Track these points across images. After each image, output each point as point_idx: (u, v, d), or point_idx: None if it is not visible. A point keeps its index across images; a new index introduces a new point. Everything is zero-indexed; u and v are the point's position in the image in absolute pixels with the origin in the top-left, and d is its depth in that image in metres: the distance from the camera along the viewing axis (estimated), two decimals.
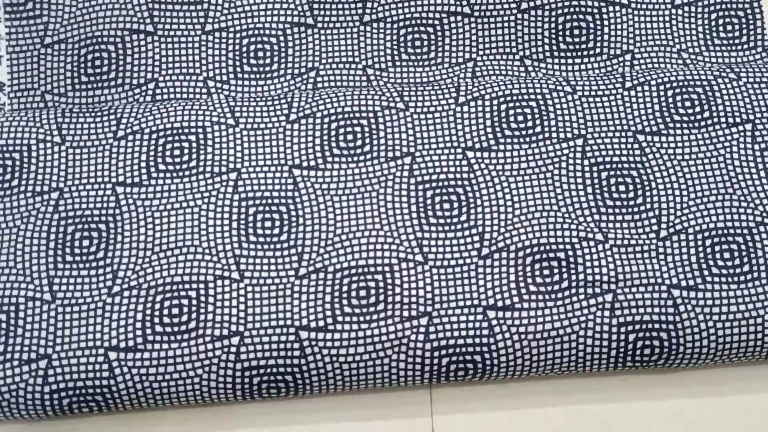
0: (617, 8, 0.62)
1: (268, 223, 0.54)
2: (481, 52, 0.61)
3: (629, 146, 0.56)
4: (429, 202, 0.54)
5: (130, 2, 0.60)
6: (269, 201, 0.54)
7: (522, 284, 0.52)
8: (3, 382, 0.50)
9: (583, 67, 0.60)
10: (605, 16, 0.61)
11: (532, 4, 0.62)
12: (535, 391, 0.54)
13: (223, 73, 0.60)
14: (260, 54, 0.60)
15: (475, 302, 0.52)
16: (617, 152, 0.56)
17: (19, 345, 0.50)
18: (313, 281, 0.52)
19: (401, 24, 0.61)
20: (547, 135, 0.56)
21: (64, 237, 0.53)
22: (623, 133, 0.56)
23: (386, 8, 0.62)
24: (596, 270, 0.53)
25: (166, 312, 0.51)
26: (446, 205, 0.54)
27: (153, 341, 0.51)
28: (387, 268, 0.53)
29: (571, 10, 0.62)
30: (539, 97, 0.57)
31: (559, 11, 0.62)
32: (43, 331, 0.51)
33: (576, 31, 0.61)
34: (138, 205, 0.54)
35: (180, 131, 0.56)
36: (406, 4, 0.62)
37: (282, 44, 0.61)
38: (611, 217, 0.54)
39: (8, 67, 0.59)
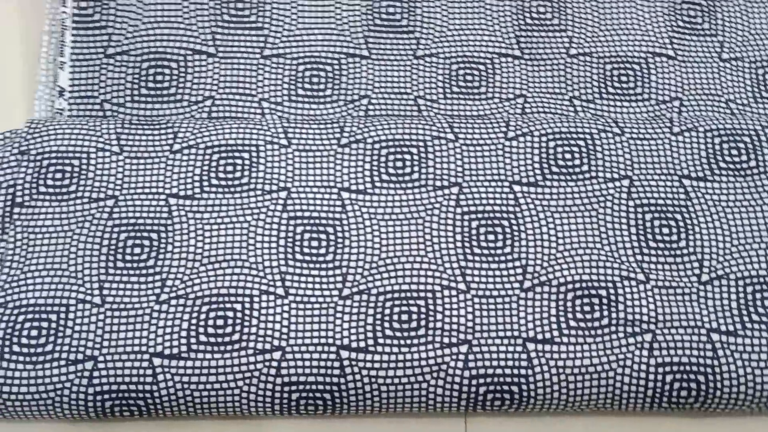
0: (664, 59, 0.63)
1: (314, 243, 0.55)
2: (531, 90, 0.62)
3: (674, 190, 0.57)
4: (474, 232, 0.55)
5: (195, 24, 0.62)
6: (317, 221, 0.55)
7: (563, 319, 0.53)
8: (49, 380, 0.51)
9: (631, 110, 0.61)
10: (652, 66, 0.63)
11: (581, 50, 0.63)
12: (569, 426, 0.55)
13: (278, 95, 0.61)
14: (315, 80, 0.62)
15: (515, 333, 0.53)
16: (662, 195, 0.56)
17: (67, 345, 0.51)
18: (356, 302, 0.53)
19: (453, 60, 0.63)
20: (593, 174, 0.57)
21: (116, 243, 0.54)
22: (669, 177, 0.57)
23: (439, 45, 0.63)
24: (636, 309, 0.53)
25: (211, 323, 0.52)
26: (491, 237, 0.55)
27: (197, 350, 0.52)
28: (429, 294, 0.53)
29: (618, 59, 0.63)
30: (587, 136, 0.58)
31: (607, 59, 0.63)
32: (91, 333, 0.52)
33: (624, 78, 0.62)
34: (189, 217, 0.55)
35: (234, 148, 0.57)
36: (458, 43, 0.63)
37: (336, 72, 0.62)
38: (653, 259, 0.55)
39: (70, 74, 0.61)
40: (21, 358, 0.51)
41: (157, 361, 0.51)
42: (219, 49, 0.62)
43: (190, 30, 0.62)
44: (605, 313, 0.53)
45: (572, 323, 0.53)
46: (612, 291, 0.54)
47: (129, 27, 0.62)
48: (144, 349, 0.52)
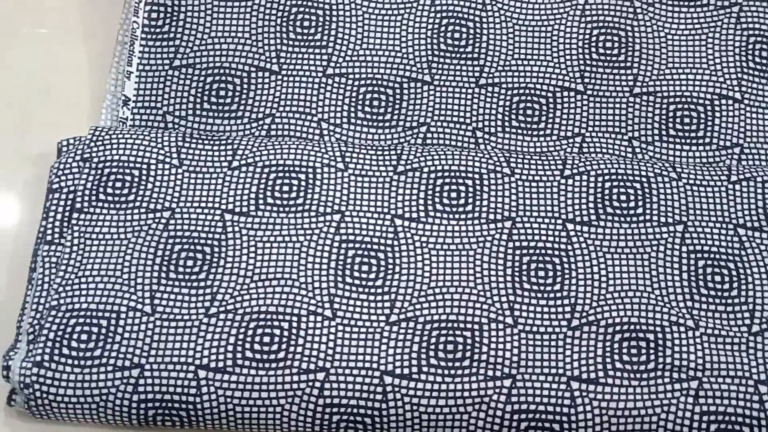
0: (730, 102, 0.62)
1: (365, 267, 0.55)
2: (590, 129, 0.62)
3: (729, 238, 0.56)
4: (525, 267, 0.55)
5: (260, 40, 0.63)
6: (369, 246, 0.56)
7: (608, 360, 0.53)
8: (95, 385, 0.52)
9: (690, 154, 0.61)
10: (717, 109, 0.62)
11: (644, 89, 0.63)
12: None
13: (338, 116, 0.62)
14: (375, 103, 0.62)
15: (560, 371, 0.53)
16: (716, 242, 0.56)
17: (115, 351, 0.52)
18: (402, 329, 0.53)
19: (515, 92, 0.63)
20: (648, 217, 0.57)
21: (170, 255, 0.55)
22: (724, 225, 0.57)
23: (502, 74, 0.63)
24: (684, 356, 0.53)
25: (257, 339, 0.53)
26: (541, 273, 0.55)
27: (242, 365, 0.52)
28: (476, 326, 0.54)
29: (683, 100, 0.63)
30: (644, 179, 0.58)
31: (671, 99, 0.63)
32: (139, 341, 0.52)
33: (686, 120, 0.62)
34: (243, 233, 0.56)
35: (291, 168, 0.58)
36: (522, 73, 0.63)
37: (398, 96, 0.63)
38: (704, 306, 0.54)
39: (136, 84, 0.62)
40: (69, 361, 0.52)
41: (202, 373, 0.52)
42: (282, 66, 0.63)
43: (255, 46, 0.63)
44: (652, 357, 0.53)
45: (618, 365, 0.53)
46: (660, 335, 0.53)
47: (196, 40, 0.63)
48: (190, 360, 0.52)
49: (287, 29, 0.64)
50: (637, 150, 0.61)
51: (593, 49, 0.64)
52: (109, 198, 0.56)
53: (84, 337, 0.52)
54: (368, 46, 0.64)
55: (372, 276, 0.55)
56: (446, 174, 0.58)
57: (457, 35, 0.64)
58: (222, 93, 0.62)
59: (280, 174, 0.57)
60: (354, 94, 0.62)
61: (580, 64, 0.64)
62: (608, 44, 0.64)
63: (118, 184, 0.57)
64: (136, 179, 0.57)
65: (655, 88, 0.63)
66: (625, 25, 0.65)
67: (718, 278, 0.55)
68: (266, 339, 0.53)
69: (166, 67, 0.62)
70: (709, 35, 0.64)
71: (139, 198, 0.56)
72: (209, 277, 0.54)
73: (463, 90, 0.63)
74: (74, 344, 0.52)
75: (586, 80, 0.63)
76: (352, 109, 0.62)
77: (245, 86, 0.62)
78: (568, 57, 0.64)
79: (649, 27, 0.65)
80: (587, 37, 0.64)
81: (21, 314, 0.55)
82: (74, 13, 0.67)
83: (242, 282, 0.54)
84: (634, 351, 0.53)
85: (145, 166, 0.57)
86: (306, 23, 0.64)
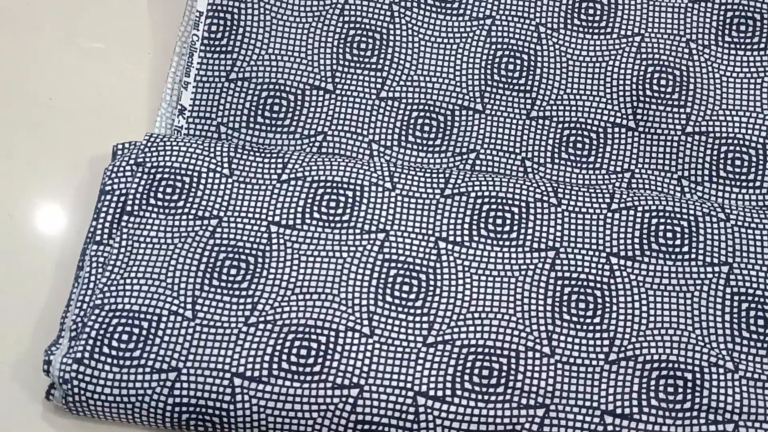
0: None
1: (405, 288, 0.55)
2: (640, 165, 0.62)
3: None
4: (566, 298, 0.55)
5: (317, 60, 0.64)
6: (411, 267, 0.56)
7: (644, 396, 0.52)
8: (132, 385, 0.52)
9: (740, 197, 0.61)
10: None
11: (697, 129, 0.63)
12: None
13: (388, 138, 0.63)
14: (426, 128, 0.63)
15: (594, 404, 0.52)
16: (761, 286, 0.55)
17: (154, 354, 0.53)
18: (439, 351, 0.53)
19: (566, 125, 0.63)
20: (693, 256, 0.56)
21: (214, 262, 0.56)
22: None
23: (554, 108, 0.64)
24: (722, 398, 0.52)
25: (294, 351, 0.53)
26: (582, 305, 0.55)
27: (277, 376, 0.52)
28: (513, 354, 0.53)
29: (735, 142, 0.62)
30: (691, 218, 0.57)
31: (723, 141, 0.62)
32: (179, 345, 0.53)
33: (738, 162, 0.62)
34: (288, 246, 0.56)
35: (339, 185, 0.58)
36: (573, 107, 0.64)
37: (449, 123, 0.63)
38: (745, 349, 0.54)
39: (192, 94, 0.63)
40: (109, 360, 0.53)
41: (237, 381, 0.52)
42: (337, 86, 0.64)
43: (311, 65, 0.64)
44: (689, 396, 0.52)
45: (653, 402, 0.52)
46: (698, 375, 0.53)
47: (253, 55, 0.64)
48: (227, 368, 0.53)
49: (344, 50, 0.65)
50: (686, 189, 0.61)
51: (647, 86, 0.64)
52: (159, 203, 0.57)
53: (125, 337, 0.53)
54: (422, 72, 0.64)
55: (412, 296, 0.55)
56: (493, 200, 0.58)
57: (510, 66, 0.65)
58: (276, 108, 0.63)
59: (328, 190, 0.58)
60: (406, 118, 0.63)
61: (633, 100, 0.64)
62: (662, 82, 0.64)
63: (169, 190, 0.58)
64: (187, 186, 0.58)
65: (708, 129, 0.63)
66: (681, 65, 0.64)
67: (761, 321, 0.54)
68: (303, 352, 0.53)
69: (222, 79, 0.63)
70: (765, 79, 0.64)
71: (188, 204, 0.57)
72: (251, 287, 0.55)
73: (514, 120, 0.63)
74: (115, 344, 0.53)
75: (639, 117, 0.63)
76: (403, 132, 0.63)
77: (299, 103, 0.63)
78: (621, 93, 0.64)
79: (704, 68, 0.64)
80: (642, 74, 0.64)
81: (65, 311, 0.56)
82: (129, 27, 0.68)
83: (283, 294, 0.55)
84: (671, 389, 0.52)
85: (196, 174, 0.58)
86: (363, 45, 0.65)
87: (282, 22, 0.65)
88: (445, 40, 0.65)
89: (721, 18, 0.66)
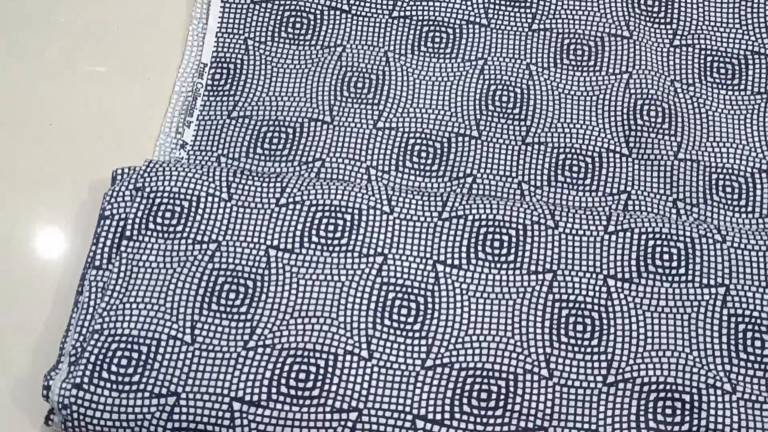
0: None
1: (404, 311, 0.56)
2: (636, 187, 0.62)
3: None
4: (563, 320, 0.55)
5: (315, 97, 0.65)
6: (409, 290, 0.56)
7: (642, 418, 0.52)
8: (131, 410, 0.52)
9: (735, 219, 0.61)
10: (758, 182, 0.63)
11: (689, 156, 0.63)
12: None
13: (385, 164, 0.63)
14: (423, 154, 0.64)
15: (593, 427, 0.52)
16: (758, 307, 0.56)
17: (153, 378, 0.53)
18: (437, 374, 0.54)
19: (561, 150, 0.64)
20: (690, 278, 0.57)
21: (213, 286, 0.56)
22: (766, 290, 0.56)
23: (548, 135, 0.64)
24: (719, 419, 0.52)
25: (293, 375, 0.53)
26: (579, 327, 0.55)
27: (276, 400, 0.52)
28: (511, 376, 0.54)
29: (725, 170, 0.63)
30: (687, 239, 0.58)
31: (713, 168, 0.63)
32: (178, 369, 0.53)
33: (729, 189, 0.62)
34: (287, 269, 0.56)
35: (337, 209, 0.59)
36: (567, 134, 0.64)
37: (445, 148, 0.64)
38: (742, 370, 0.54)
39: (195, 131, 0.64)
40: (108, 385, 0.53)
41: (236, 405, 0.52)
42: (335, 118, 0.64)
43: (309, 102, 0.65)
44: (687, 418, 0.52)
45: (652, 424, 0.52)
46: (696, 397, 0.53)
47: (254, 96, 0.65)
48: (226, 392, 0.53)
49: (341, 88, 0.66)
50: (682, 211, 0.61)
51: (638, 116, 0.65)
52: (158, 227, 0.58)
53: (124, 362, 0.53)
54: (418, 104, 0.66)
55: (410, 320, 0.55)
56: (490, 223, 0.58)
57: (504, 99, 0.66)
58: (275, 140, 0.64)
59: (327, 213, 0.58)
60: (403, 145, 0.64)
61: (625, 128, 0.65)
62: (652, 113, 0.65)
63: (168, 214, 0.58)
64: (186, 210, 0.58)
65: (698, 157, 0.63)
66: (668, 100, 0.66)
67: (758, 343, 0.55)
68: (302, 375, 0.53)
69: (224, 117, 0.65)
70: (749, 115, 0.65)
71: (187, 229, 0.58)
72: (250, 311, 0.55)
73: (510, 146, 0.64)
74: (114, 368, 0.53)
75: (631, 144, 0.64)
76: (400, 158, 0.63)
77: (297, 134, 0.64)
78: (612, 122, 0.65)
79: (690, 103, 0.66)
80: (632, 105, 0.65)
81: (65, 336, 0.56)
82: (129, 52, 0.69)
83: (282, 317, 0.55)
84: (668, 411, 0.53)
85: (195, 198, 0.58)
86: (360, 84, 0.66)
87: (282, 69, 0.67)
88: (440, 79, 0.67)
89: (702, 61, 0.68)
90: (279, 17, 0.69)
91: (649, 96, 0.66)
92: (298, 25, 0.69)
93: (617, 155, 0.64)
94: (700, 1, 0.70)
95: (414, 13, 0.69)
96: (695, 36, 0.68)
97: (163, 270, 0.56)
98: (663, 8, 0.69)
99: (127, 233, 0.57)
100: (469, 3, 0.70)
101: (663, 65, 0.67)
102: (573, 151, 0.64)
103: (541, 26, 0.69)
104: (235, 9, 0.69)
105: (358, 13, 0.69)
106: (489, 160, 0.63)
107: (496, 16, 0.69)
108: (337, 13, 0.69)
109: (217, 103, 0.65)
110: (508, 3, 0.70)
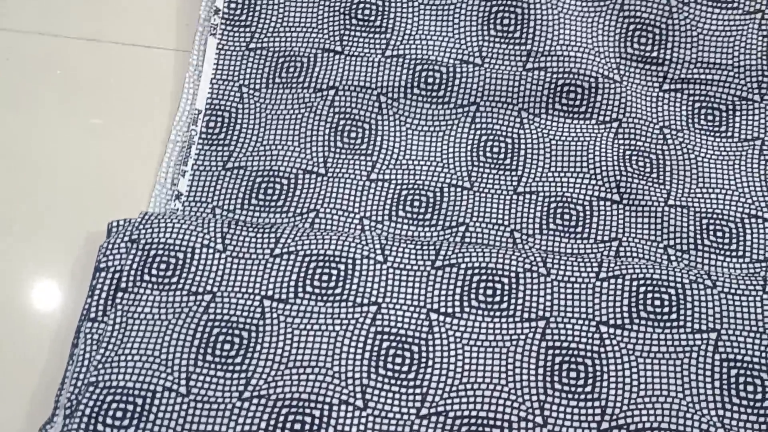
0: (760, 221, 0.63)
1: (398, 360, 0.56)
2: (627, 234, 0.63)
3: (762, 348, 0.56)
4: (557, 367, 0.56)
5: (309, 147, 0.66)
6: (403, 339, 0.56)
7: None
8: None
9: (725, 264, 0.62)
10: (747, 227, 0.63)
11: (678, 203, 0.64)
12: None
13: (379, 214, 0.64)
14: (416, 203, 0.64)
15: None
16: (749, 352, 0.56)
17: (148, 430, 0.53)
18: (432, 422, 0.54)
19: (552, 199, 0.65)
20: (681, 323, 0.57)
21: (208, 337, 0.56)
22: (758, 335, 0.57)
23: (540, 184, 0.65)
24: None
25: (288, 426, 0.53)
26: (573, 374, 0.55)
27: None
28: (506, 424, 0.54)
29: (715, 215, 0.64)
30: (678, 285, 0.58)
31: (703, 214, 0.64)
32: (173, 422, 0.53)
33: (719, 233, 0.63)
34: (281, 320, 0.57)
35: (331, 258, 0.59)
36: (559, 183, 0.65)
37: (437, 198, 0.65)
38: (736, 415, 0.54)
39: (189, 181, 0.65)
40: None
41: None
42: (329, 169, 0.65)
43: (304, 152, 0.66)
44: None
45: None
46: None
47: (249, 146, 0.66)
48: None
49: (335, 138, 0.67)
50: (673, 257, 0.62)
51: (627, 164, 0.66)
52: (153, 279, 0.58)
53: (119, 414, 0.53)
54: (410, 156, 0.66)
55: (405, 368, 0.56)
56: (483, 271, 0.59)
57: (496, 149, 0.66)
58: (270, 191, 0.64)
59: (320, 263, 0.59)
60: (396, 196, 0.65)
61: (616, 176, 0.65)
62: (641, 162, 0.66)
63: (163, 266, 0.58)
64: (181, 262, 0.58)
65: (688, 203, 0.64)
66: (656, 149, 0.67)
67: (751, 388, 0.55)
68: (297, 426, 0.53)
69: (219, 168, 0.65)
70: (737, 162, 0.66)
71: (182, 280, 0.58)
72: (245, 362, 0.55)
73: (502, 195, 0.65)
74: (109, 421, 0.53)
75: (622, 191, 0.65)
76: (393, 208, 0.64)
77: (292, 185, 0.65)
78: (603, 170, 0.65)
79: (679, 150, 0.67)
80: (621, 154, 0.66)
81: (60, 388, 0.56)
82: (126, 102, 0.70)
83: (277, 368, 0.55)
84: None
85: (190, 250, 0.59)
86: (353, 134, 0.67)
87: (276, 116, 0.67)
88: (432, 128, 0.68)
89: (690, 108, 0.68)
90: (273, 63, 0.69)
91: (638, 147, 0.67)
92: (291, 69, 0.69)
93: (608, 203, 0.64)
94: (694, 40, 0.70)
95: (407, 51, 0.70)
96: (685, 80, 0.69)
97: (158, 321, 0.57)
98: (656, 47, 0.70)
99: (123, 285, 0.58)
100: (462, 41, 0.70)
101: (652, 111, 0.68)
102: (564, 199, 0.64)
103: (536, 65, 0.69)
104: (230, 56, 0.70)
105: (351, 53, 0.70)
106: (481, 210, 0.64)
107: (489, 55, 0.69)
108: (330, 54, 0.70)
109: (211, 152, 0.66)
110: (502, 40, 0.70)
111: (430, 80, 0.68)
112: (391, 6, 0.71)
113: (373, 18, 0.70)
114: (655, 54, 0.70)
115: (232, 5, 0.71)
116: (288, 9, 0.71)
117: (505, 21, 0.70)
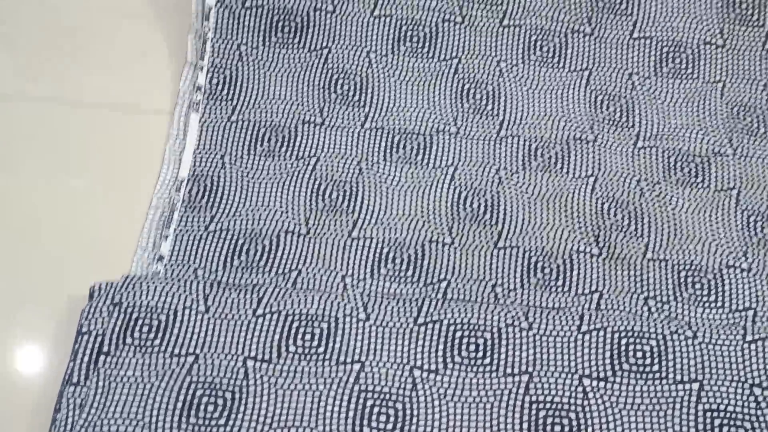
0: (738, 271, 0.64)
1: (383, 417, 0.56)
2: (607, 287, 0.63)
3: (744, 398, 0.56)
4: (541, 422, 0.56)
5: (291, 209, 0.67)
6: (387, 396, 0.56)
7: None
8: None
9: (705, 315, 0.62)
10: (725, 277, 0.64)
11: (657, 256, 0.65)
12: None
13: (361, 272, 0.64)
14: (397, 261, 0.65)
15: None
16: (732, 401, 0.56)
17: None
18: None
19: (532, 253, 0.65)
20: (664, 374, 0.57)
21: (191, 399, 0.56)
22: (740, 384, 0.57)
23: (520, 238, 0.66)
24: None
25: None
26: (557, 428, 0.55)
27: None
28: None
29: (693, 267, 0.64)
30: (660, 337, 0.59)
31: (681, 266, 0.64)
32: None
33: (698, 285, 0.64)
34: (264, 380, 0.57)
35: (314, 318, 0.59)
36: (538, 237, 0.66)
37: (419, 256, 0.65)
38: None
39: (171, 244, 0.65)
40: None
41: None
42: (311, 229, 0.66)
43: (286, 214, 0.66)
44: None
45: None
46: None
47: (231, 210, 0.67)
48: None
49: (316, 198, 0.67)
50: (653, 309, 0.62)
51: (606, 217, 0.67)
52: (136, 342, 0.58)
53: None
54: (391, 215, 0.67)
55: (389, 426, 0.55)
56: (465, 327, 0.59)
57: (475, 204, 0.67)
58: (252, 252, 0.65)
59: (303, 323, 0.59)
60: (377, 254, 0.65)
61: (594, 229, 0.66)
62: (619, 215, 0.67)
63: (145, 329, 0.58)
64: (163, 324, 0.58)
65: (666, 256, 0.65)
66: (634, 202, 0.68)
67: None
68: None
69: (201, 231, 0.66)
70: (713, 212, 0.67)
71: (165, 342, 0.58)
72: (229, 423, 0.55)
73: (483, 250, 0.65)
74: None
75: (601, 244, 0.65)
76: (375, 265, 0.64)
77: (274, 246, 0.65)
78: (581, 224, 0.66)
79: (656, 202, 0.68)
80: (599, 208, 0.67)
81: None
82: (110, 169, 0.70)
83: (261, 429, 0.55)
84: None
85: (172, 312, 0.59)
86: (333, 195, 0.68)
87: (258, 181, 0.68)
88: (412, 185, 0.69)
89: (666, 161, 0.70)
90: (254, 133, 0.70)
91: (615, 199, 0.67)
92: (273, 140, 0.70)
93: (587, 255, 0.65)
94: (659, 106, 0.72)
95: (385, 124, 0.71)
96: (657, 137, 0.70)
97: (140, 384, 0.56)
98: (624, 114, 0.72)
99: (105, 348, 0.58)
100: (439, 112, 0.72)
101: (628, 167, 0.69)
102: (544, 253, 0.65)
103: (509, 132, 0.70)
104: (213, 127, 0.71)
105: (331, 124, 0.71)
106: (462, 265, 0.65)
107: (465, 124, 0.71)
108: (311, 126, 0.71)
109: (194, 217, 0.66)
110: (476, 112, 0.72)
111: (408, 149, 0.70)
112: (369, 82, 0.72)
113: (351, 93, 0.72)
114: (624, 119, 0.71)
115: (214, 81, 0.72)
116: (268, 84, 0.72)
117: (477, 96, 0.72)
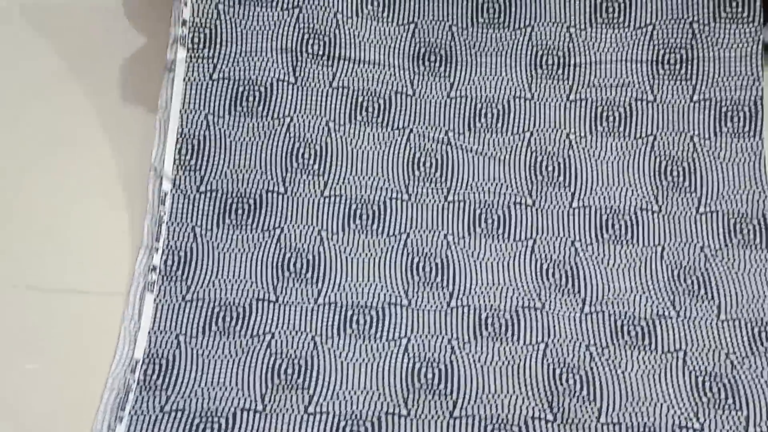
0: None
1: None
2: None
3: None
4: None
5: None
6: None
7: None
8: None
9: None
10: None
11: (610, 420, 0.66)
12: None
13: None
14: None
15: None
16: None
17: None
18: None
19: (487, 422, 0.66)
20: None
21: None
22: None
23: (474, 409, 0.67)
24: None
25: None
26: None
27: None
28: None
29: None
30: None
31: (635, 428, 0.66)
32: None
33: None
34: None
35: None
36: (492, 405, 0.67)
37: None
38: None
39: (126, 426, 0.65)
40: None
41: None
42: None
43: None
44: None
45: None
46: None
47: (187, 390, 0.68)
48: None
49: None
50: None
51: (557, 383, 0.68)
52: None
53: None
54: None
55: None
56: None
57: (429, 374, 0.69)
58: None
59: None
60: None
61: (547, 395, 0.67)
62: (571, 381, 0.68)
63: None
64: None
65: (621, 419, 0.66)
66: (585, 366, 0.69)
67: None
68: None
69: (156, 413, 0.66)
70: (662, 374, 0.69)
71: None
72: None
73: (438, 421, 0.66)
74: None
75: (555, 409, 0.66)
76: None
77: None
78: (534, 389, 0.68)
79: (606, 366, 0.69)
80: (551, 374, 0.69)
81: None
82: (63, 350, 0.71)
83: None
84: None
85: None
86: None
87: (215, 359, 0.69)
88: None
89: (612, 326, 0.72)
90: (209, 310, 0.71)
91: (566, 364, 0.69)
92: (228, 319, 0.71)
93: (542, 422, 0.66)
94: (602, 271, 0.74)
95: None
96: (603, 302, 0.72)
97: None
98: (569, 280, 0.74)
99: None
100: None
101: (576, 332, 0.71)
102: (499, 421, 0.66)
103: (458, 303, 0.73)
104: (167, 307, 0.72)
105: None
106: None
107: (416, 297, 0.73)
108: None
109: (149, 397, 0.67)
110: (425, 283, 0.74)
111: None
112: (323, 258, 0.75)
113: (304, 270, 0.74)
114: (570, 285, 0.74)
115: (169, 262, 0.74)
116: (223, 262, 0.74)
117: (427, 269, 0.75)
